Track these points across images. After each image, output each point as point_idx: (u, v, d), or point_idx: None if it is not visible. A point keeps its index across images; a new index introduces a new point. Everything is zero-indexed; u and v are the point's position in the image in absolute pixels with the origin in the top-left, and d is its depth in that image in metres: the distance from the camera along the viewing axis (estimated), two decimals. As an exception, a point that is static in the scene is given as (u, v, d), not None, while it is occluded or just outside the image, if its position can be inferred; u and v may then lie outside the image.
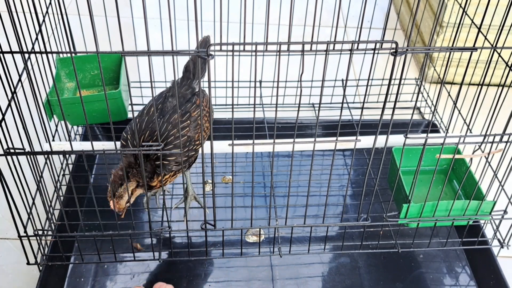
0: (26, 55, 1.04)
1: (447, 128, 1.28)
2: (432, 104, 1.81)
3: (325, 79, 0.86)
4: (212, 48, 0.80)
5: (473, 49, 0.91)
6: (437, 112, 1.71)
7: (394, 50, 0.84)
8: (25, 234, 1.10)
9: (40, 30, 0.91)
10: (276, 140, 1.26)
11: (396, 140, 1.37)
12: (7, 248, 1.35)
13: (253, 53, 0.84)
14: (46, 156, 1.20)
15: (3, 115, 0.99)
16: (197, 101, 1.22)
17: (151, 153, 1.09)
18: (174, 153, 1.11)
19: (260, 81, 1.82)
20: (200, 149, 1.22)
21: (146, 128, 1.14)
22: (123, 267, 1.29)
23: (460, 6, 1.33)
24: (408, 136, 0.99)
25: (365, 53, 1.82)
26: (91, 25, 0.78)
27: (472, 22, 1.31)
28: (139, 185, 1.14)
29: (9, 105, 1.03)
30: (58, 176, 1.34)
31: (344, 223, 1.24)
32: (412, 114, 0.98)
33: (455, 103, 1.29)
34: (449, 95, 1.59)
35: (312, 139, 0.98)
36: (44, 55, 1.13)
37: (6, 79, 0.97)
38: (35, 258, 1.16)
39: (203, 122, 1.21)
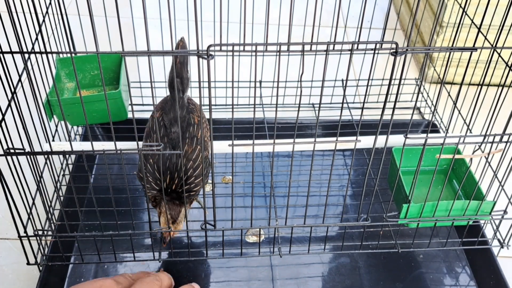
0: (26, 55, 1.04)
1: (447, 128, 1.28)
2: (432, 104, 1.81)
3: (325, 79, 0.86)
4: (212, 48, 0.80)
5: (473, 49, 0.91)
6: (437, 112, 1.71)
7: (394, 50, 0.84)
8: (25, 234, 1.10)
9: (40, 30, 0.91)
10: (276, 140, 1.26)
11: (396, 140, 1.37)
12: (7, 248, 1.35)
13: (253, 53, 0.84)
14: (46, 156, 1.20)
15: (3, 115, 0.99)
16: (195, 119, 1.20)
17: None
18: (197, 183, 1.14)
19: (260, 81, 1.82)
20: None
21: (166, 168, 1.12)
22: (123, 267, 1.29)
23: (460, 6, 1.33)
24: (408, 136, 0.99)
25: (365, 53, 1.82)
26: (91, 25, 0.78)
27: (472, 22, 1.31)
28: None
29: (9, 105, 1.03)
30: (58, 176, 1.34)
31: (344, 223, 1.24)
32: (412, 114, 0.98)
33: (455, 103, 1.29)
34: (449, 95, 1.59)
35: (312, 139, 0.98)
36: (44, 55, 1.13)
37: (6, 79, 0.97)
38: (35, 258, 1.16)
39: (205, 132, 1.20)
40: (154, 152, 1.05)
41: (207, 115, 1.62)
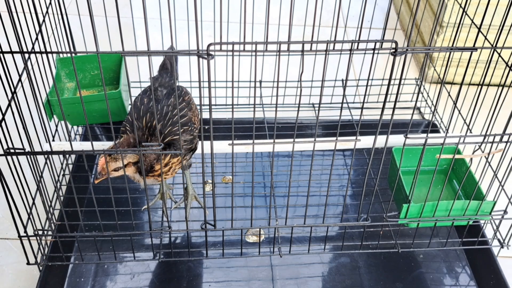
0: (26, 55, 1.04)
1: (447, 128, 1.28)
2: (432, 104, 1.81)
3: (325, 79, 0.86)
4: (212, 48, 0.80)
5: (473, 49, 0.91)
6: (437, 112, 1.71)
7: (394, 50, 0.84)
8: (25, 234, 1.10)
9: (40, 30, 0.91)
10: (276, 140, 1.26)
11: (396, 140, 1.37)
12: (7, 248, 1.35)
13: (253, 53, 0.84)
14: (46, 156, 1.20)
15: (3, 115, 0.99)
16: (184, 89, 1.28)
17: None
18: (184, 131, 1.16)
19: (260, 81, 1.82)
20: (199, 141, 1.24)
21: (145, 114, 1.15)
22: (123, 267, 1.29)
23: (460, 6, 1.33)
24: (408, 136, 0.99)
25: (365, 53, 1.82)
26: (91, 25, 0.78)
27: (472, 22, 1.31)
28: (137, 164, 1.12)
29: (9, 105, 1.03)
30: (58, 176, 1.34)
31: (344, 223, 1.24)
32: (412, 114, 0.98)
33: (455, 103, 1.29)
34: (449, 95, 1.59)
35: (312, 139, 0.98)
36: (44, 55, 1.13)
37: (6, 79, 0.98)
38: (35, 258, 1.16)
39: (195, 109, 1.27)
40: (154, 152, 1.05)
41: (207, 115, 1.63)
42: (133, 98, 1.72)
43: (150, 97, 1.20)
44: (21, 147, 0.97)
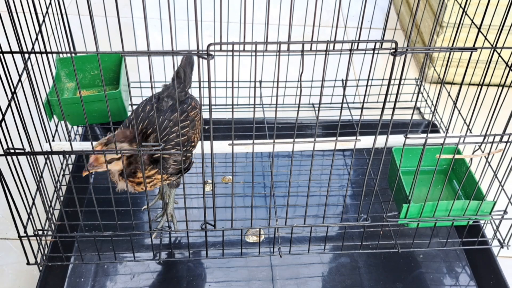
0: (26, 55, 1.04)
1: (447, 128, 1.28)
2: (432, 104, 1.81)
3: (325, 79, 0.86)
4: (212, 48, 0.80)
5: (473, 49, 0.91)
6: (437, 112, 1.71)
7: (394, 50, 0.84)
8: (25, 234, 1.10)
9: (40, 30, 0.91)
10: (276, 140, 1.26)
11: (396, 140, 1.37)
12: (7, 248, 1.35)
13: (253, 53, 0.84)
14: (46, 156, 1.20)
15: (3, 115, 0.99)
16: (192, 103, 1.22)
17: (152, 148, 1.06)
18: (173, 152, 1.11)
19: (260, 81, 1.82)
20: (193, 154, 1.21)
21: (143, 120, 1.13)
22: (123, 267, 1.29)
23: (460, 6, 1.33)
24: (408, 136, 0.99)
25: (365, 53, 1.82)
26: (91, 25, 0.78)
27: (472, 22, 1.31)
28: (130, 160, 1.09)
29: (9, 105, 1.03)
30: (58, 176, 1.34)
31: (344, 223, 1.24)
32: (412, 114, 0.98)
33: (455, 103, 1.29)
34: (449, 95, 1.59)
35: (312, 139, 0.98)
36: (44, 55, 1.13)
37: (6, 79, 0.97)
38: (35, 258, 1.16)
39: (198, 125, 1.21)
40: (154, 152, 1.05)
41: (207, 115, 1.63)
42: (133, 99, 1.72)
43: (153, 106, 1.17)
44: (21, 147, 0.97)
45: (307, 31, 1.97)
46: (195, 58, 1.28)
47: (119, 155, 1.05)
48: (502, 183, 1.21)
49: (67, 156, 1.45)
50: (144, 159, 1.10)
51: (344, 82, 1.79)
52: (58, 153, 1.00)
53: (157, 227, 1.32)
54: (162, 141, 1.11)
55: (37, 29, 1.09)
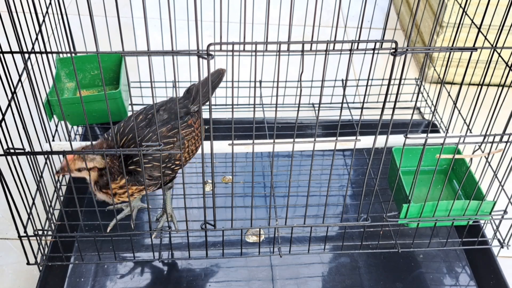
0: (26, 55, 1.04)
1: (447, 128, 1.28)
2: (432, 104, 1.81)
3: (325, 79, 0.86)
4: (212, 48, 0.80)
5: (473, 49, 0.91)
6: (437, 112, 1.71)
7: (394, 50, 0.84)
8: (25, 234, 1.10)
9: (40, 30, 0.91)
10: (276, 140, 1.26)
11: (396, 140, 1.37)
12: (7, 248, 1.35)
13: (253, 53, 0.84)
14: (46, 156, 1.20)
15: (3, 115, 0.99)
16: (190, 121, 1.20)
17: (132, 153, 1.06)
18: (154, 163, 1.09)
19: (260, 81, 1.82)
20: (179, 171, 1.19)
21: (129, 132, 1.13)
22: (123, 267, 1.29)
23: (460, 6, 1.33)
24: (408, 136, 0.99)
25: (365, 53, 1.82)
26: (91, 25, 0.78)
27: (472, 22, 1.31)
28: (101, 172, 1.11)
29: (9, 105, 1.03)
30: (58, 176, 1.34)
31: (344, 223, 1.24)
32: (412, 114, 0.98)
33: (455, 103, 1.29)
34: (449, 95, 1.59)
35: (312, 139, 0.98)
36: (44, 55, 1.13)
37: (6, 79, 0.97)
38: (35, 258, 1.16)
39: (190, 144, 1.19)
40: (154, 152, 1.05)
41: (207, 115, 1.63)
42: (133, 99, 1.72)
43: (147, 117, 1.17)
44: (21, 147, 0.97)
45: (307, 31, 1.97)
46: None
47: (90, 166, 1.07)
48: (502, 183, 1.21)
49: (67, 156, 1.45)
50: (115, 171, 1.10)
51: (344, 82, 1.79)
52: (58, 153, 1.00)
53: (157, 227, 1.32)
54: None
55: (37, 29, 1.09)
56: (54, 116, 1.38)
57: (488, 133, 1.05)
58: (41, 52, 0.86)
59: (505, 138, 1.07)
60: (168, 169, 1.15)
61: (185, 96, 1.28)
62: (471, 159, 1.24)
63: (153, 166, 1.12)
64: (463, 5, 1.61)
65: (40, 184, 1.10)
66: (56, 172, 1.08)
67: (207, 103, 1.30)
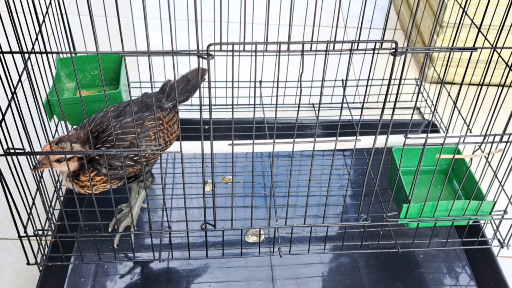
0: (26, 55, 1.04)
1: (447, 128, 1.28)
2: (432, 104, 1.81)
3: (325, 79, 0.86)
4: (212, 48, 0.80)
5: (473, 49, 0.91)
6: (437, 112, 1.71)
7: (394, 50, 0.84)
8: (25, 234, 1.10)
9: (40, 30, 0.91)
10: (276, 140, 1.26)
11: (396, 140, 1.37)
12: (7, 248, 1.36)
13: (253, 53, 0.84)
14: (46, 156, 1.20)
15: (3, 115, 0.99)
16: (158, 114, 1.21)
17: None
18: (111, 153, 1.06)
19: (260, 81, 1.82)
20: (145, 168, 1.19)
21: (98, 124, 1.14)
22: (123, 267, 1.29)
23: (460, 6, 1.33)
24: (408, 136, 0.99)
25: (365, 53, 1.82)
26: (91, 25, 0.78)
27: (472, 22, 1.31)
28: (81, 161, 1.10)
29: (9, 105, 1.03)
30: (58, 176, 1.34)
31: (344, 223, 1.24)
32: (412, 114, 0.98)
33: (455, 103, 1.29)
34: (449, 95, 1.59)
35: (312, 139, 0.98)
36: (44, 55, 1.13)
37: (6, 79, 0.97)
38: (35, 258, 1.16)
39: (157, 137, 1.17)
40: (154, 152, 1.05)
41: (207, 115, 1.62)
42: (133, 97, 1.72)
43: (118, 109, 1.19)
44: (21, 147, 0.97)
45: (307, 31, 1.97)
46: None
47: (70, 156, 1.06)
48: (502, 183, 1.21)
49: (67, 156, 1.45)
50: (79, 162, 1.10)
51: (344, 82, 1.79)
52: (58, 153, 1.00)
53: (117, 225, 1.30)
54: (100, 141, 1.12)
55: (37, 29, 1.09)
56: (54, 116, 1.38)
57: (488, 133, 1.05)
58: (41, 52, 0.86)
59: (505, 138, 1.07)
60: (131, 160, 1.14)
61: (159, 91, 1.29)
62: (471, 159, 1.24)
63: (111, 156, 1.11)
64: (463, 5, 1.61)
65: (40, 184, 1.10)
66: (34, 167, 1.06)
67: (185, 102, 1.31)
